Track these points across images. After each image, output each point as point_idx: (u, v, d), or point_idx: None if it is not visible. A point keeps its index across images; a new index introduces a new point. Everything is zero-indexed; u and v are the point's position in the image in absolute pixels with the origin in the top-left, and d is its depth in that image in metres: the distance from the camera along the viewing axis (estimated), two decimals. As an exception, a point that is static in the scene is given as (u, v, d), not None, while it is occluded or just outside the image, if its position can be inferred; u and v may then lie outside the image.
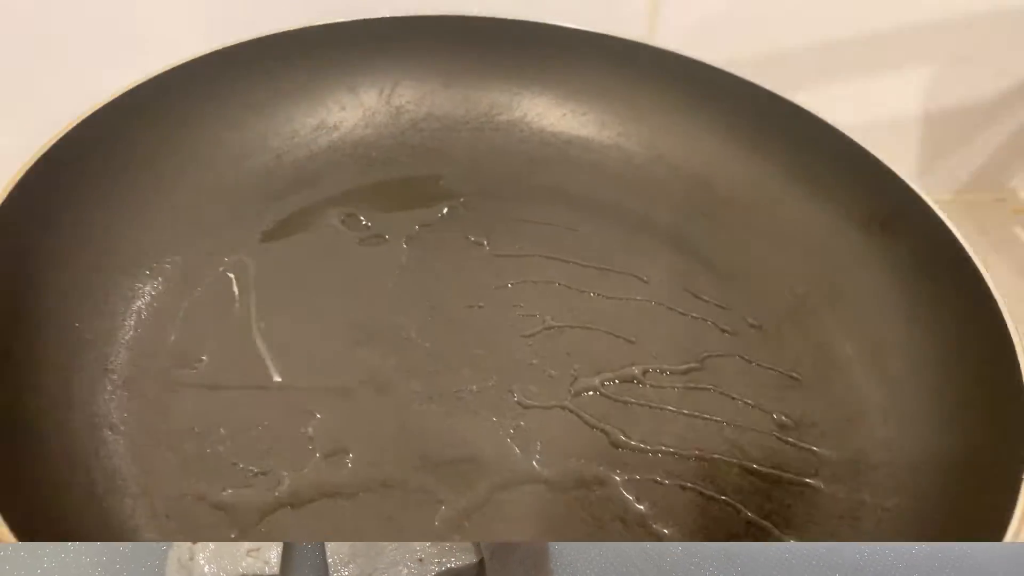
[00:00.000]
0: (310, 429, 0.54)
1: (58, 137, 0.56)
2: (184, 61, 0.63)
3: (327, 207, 0.67)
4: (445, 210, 0.69)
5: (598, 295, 0.64)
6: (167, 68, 0.63)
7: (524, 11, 0.73)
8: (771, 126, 0.69)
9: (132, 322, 0.56)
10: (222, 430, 0.53)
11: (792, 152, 0.68)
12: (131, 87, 0.60)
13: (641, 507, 0.51)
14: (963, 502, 0.47)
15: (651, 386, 0.58)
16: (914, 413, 0.54)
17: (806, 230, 0.65)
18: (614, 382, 0.58)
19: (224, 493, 0.50)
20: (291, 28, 0.68)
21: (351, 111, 0.72)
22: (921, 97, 0.86)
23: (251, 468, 0.51)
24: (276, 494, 0.50)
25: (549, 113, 0.75)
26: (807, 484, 0.52)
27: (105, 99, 0.59)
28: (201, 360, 0.56)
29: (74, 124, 0.57)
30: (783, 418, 0.56)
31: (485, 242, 0.67)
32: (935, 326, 0.57)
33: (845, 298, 0.62)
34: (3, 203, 0.52)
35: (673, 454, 0.54)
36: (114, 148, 0.60)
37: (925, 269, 0.59)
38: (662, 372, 0.59)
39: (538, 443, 0.54)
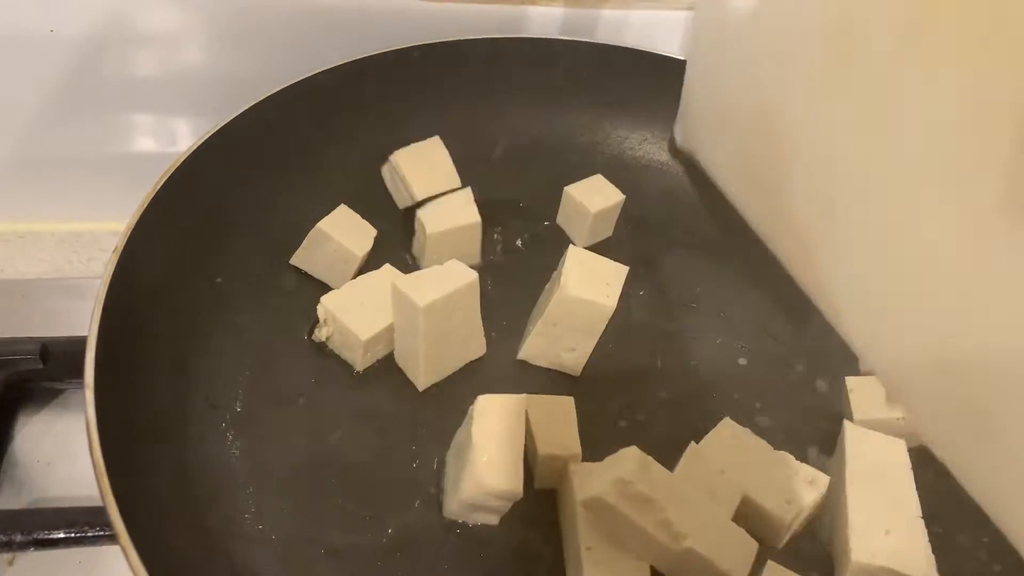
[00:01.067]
0: (415, 466, 0.56)
1: (168, 174, 0.57)
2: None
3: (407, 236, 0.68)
4: (526, 235, 0.70)
5: (682, 334, 0.65)
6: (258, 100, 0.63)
7: (609, 36, 0.73)
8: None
9: (237, 359, 0.58)
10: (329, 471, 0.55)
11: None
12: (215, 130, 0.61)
13: None
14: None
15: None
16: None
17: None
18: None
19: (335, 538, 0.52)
20: (374, 53, 0.68)
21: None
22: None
23: (361, 513, 0.53)
24: (384, 540, 0.53)
25: (631, 136, 0.75)
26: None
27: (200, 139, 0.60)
28: (302, 396, 0.58)
29: (185, 156, 0.58)
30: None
31: (568, 273, 0.68)
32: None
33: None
34: (127, 242, 0.53)
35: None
36: (213, 183, 0.61)
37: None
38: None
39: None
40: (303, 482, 0.54)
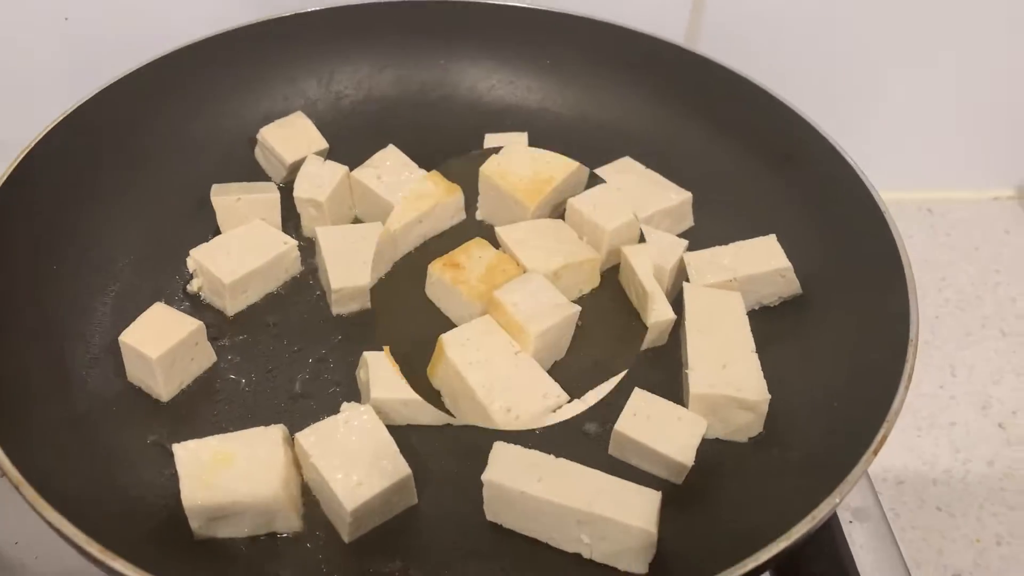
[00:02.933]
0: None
1: (19, 159, 0.61)
2: (126, 73, 0.68)
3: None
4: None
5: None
6: (111, 81, 0.68)
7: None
8: (680, 78, 0.75)
9: (106, 309, 0.63)
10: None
11: (701, 99, 0.74)
12: (79, 104, 0.66)
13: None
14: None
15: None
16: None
17: (717, 167, 0.72)
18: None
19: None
20: (228, 29, 0.73)
21: (293, 100, 0.76)
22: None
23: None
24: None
25: (478, 86, 0.80)
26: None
27: (56, 118, 0.64)
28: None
29: (36, 140, 0.63)
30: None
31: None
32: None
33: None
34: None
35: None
36: (68, 162, 0.64)
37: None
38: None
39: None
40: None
